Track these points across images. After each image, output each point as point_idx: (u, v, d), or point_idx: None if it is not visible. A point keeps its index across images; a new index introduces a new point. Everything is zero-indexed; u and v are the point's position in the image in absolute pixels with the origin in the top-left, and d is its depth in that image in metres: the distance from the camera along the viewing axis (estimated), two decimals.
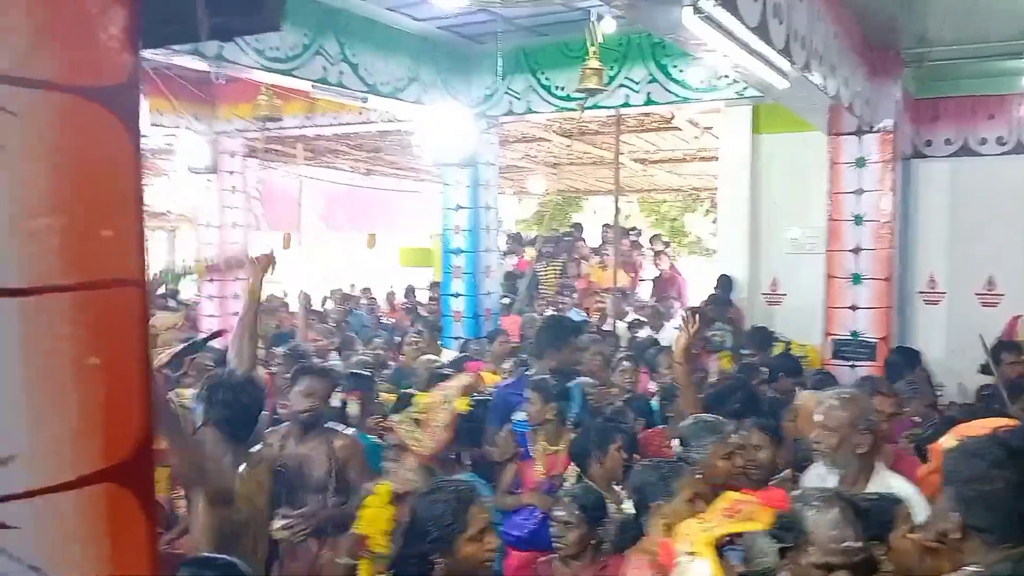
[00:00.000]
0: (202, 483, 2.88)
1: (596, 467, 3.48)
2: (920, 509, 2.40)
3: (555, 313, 7.55)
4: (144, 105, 7.25)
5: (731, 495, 1.87)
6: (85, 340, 0.94)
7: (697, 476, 3.00)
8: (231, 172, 9.09)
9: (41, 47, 0.90)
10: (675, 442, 3.16)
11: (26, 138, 0.88)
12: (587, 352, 5.43)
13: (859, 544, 1.85)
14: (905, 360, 5.12)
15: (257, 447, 3.33)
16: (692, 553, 1.72)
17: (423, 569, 2.17)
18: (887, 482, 2.76)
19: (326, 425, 3.58)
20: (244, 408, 3.09)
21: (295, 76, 5.64)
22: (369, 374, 4.91)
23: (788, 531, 1.85)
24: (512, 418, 4.00)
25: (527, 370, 4.70)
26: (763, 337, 6.26)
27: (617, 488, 3.40)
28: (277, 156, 10.86)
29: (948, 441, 2.35)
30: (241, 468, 2.98)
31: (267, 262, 3.98)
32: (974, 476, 1.86)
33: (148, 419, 1.00)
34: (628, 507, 3.04)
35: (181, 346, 4.60)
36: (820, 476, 3.15)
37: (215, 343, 5.17)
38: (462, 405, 3.25)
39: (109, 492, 0.95)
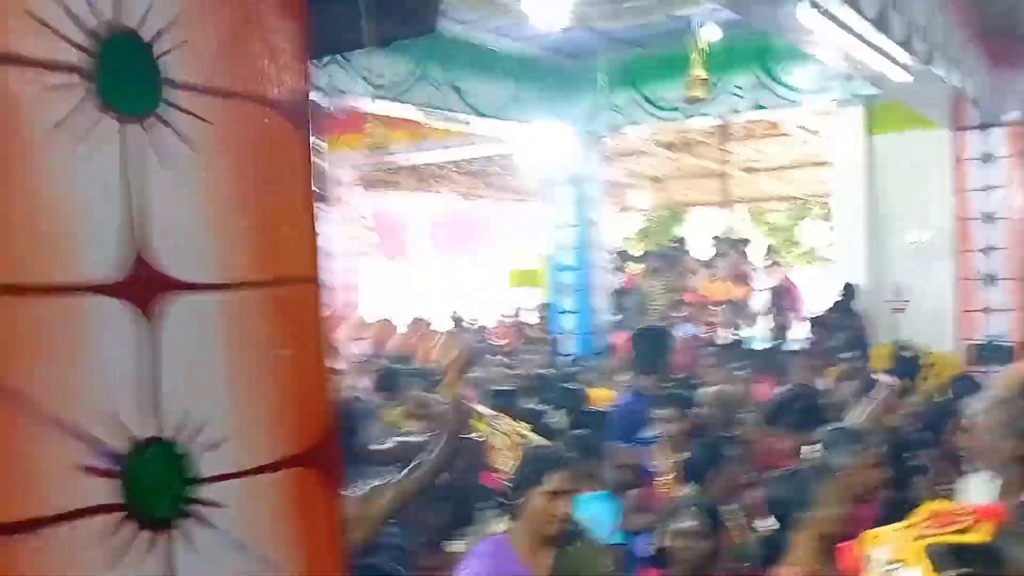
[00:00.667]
0: None
1: (712, 481, 3.42)
2: None
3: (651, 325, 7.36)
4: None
5: (933, 506, 1.76)
6: (276, 333, 1.01)
7: (843, 484, 2.92)
8: (341, 200, 9.42)
9: (229, 59, 0.98)
10: (806, 448, 3.07)
11: (217, 143, 0.95)
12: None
13: None
14: None
15: None
16: (899, 560, 1.65)
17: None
18: None
19: None
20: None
21: (403, 102, 5.82)
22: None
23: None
24: (636, 434, 3.97)
25: (639, 385, 4.67)
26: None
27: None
28: (387, 185, 11.19)
29: None
30: None
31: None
32: None
33: (332, 407, 1.07)
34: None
35: None
36: (979, 486, 3.00)
37: None
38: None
39: (302, 475, 1.02)
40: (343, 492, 1.06)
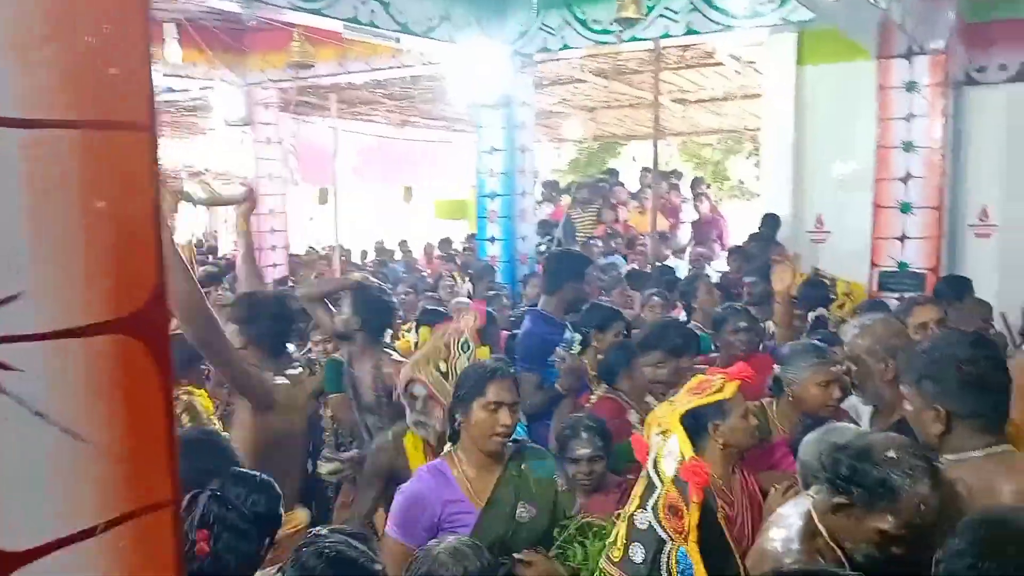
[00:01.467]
0: (246, 389, 2.92)
1: (625, 382, 3.45)
2: None
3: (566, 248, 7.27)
4: (178, 55, 7.28)
5: (700, 376, 1.80)
6: (91, 181, 0.88)
7: (788, 399, 2.94)
8: (266, 124, 9.08)
9: None
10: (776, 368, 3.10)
11: None
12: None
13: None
14: (953, 289, 4.90)
15: (296, 368, 3.34)
16: (663, 432, 1.66)
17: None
18: None
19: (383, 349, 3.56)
20: (277, 320, 3.14)
21: (326, 15, 5.55)
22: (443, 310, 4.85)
23: (868, 493, 1.65)
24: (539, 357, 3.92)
25: (534, 305, 4.63)
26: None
27: (650, 400, 3.38)
28: (311, 108, 10.83)
29: None
30: (279, 380, 3.01)
31: (251, 201, 3.79)
32: (956, 361, 1.94)
33: (160, 271, 0.95)
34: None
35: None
36: (853, 407, 3.06)
37: None
38: (483, 354, 3.13)
39: (120, 343, 0.90)
40: (170, 365, 0.95)
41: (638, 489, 1.61)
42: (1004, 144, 6.65)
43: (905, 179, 5.50)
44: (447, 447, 2.62)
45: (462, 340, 2.95)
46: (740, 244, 7.54)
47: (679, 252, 9.07)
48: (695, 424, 2.39)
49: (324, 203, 12.19)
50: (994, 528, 1.46)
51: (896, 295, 5.44)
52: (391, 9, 5.95)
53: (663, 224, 9.51)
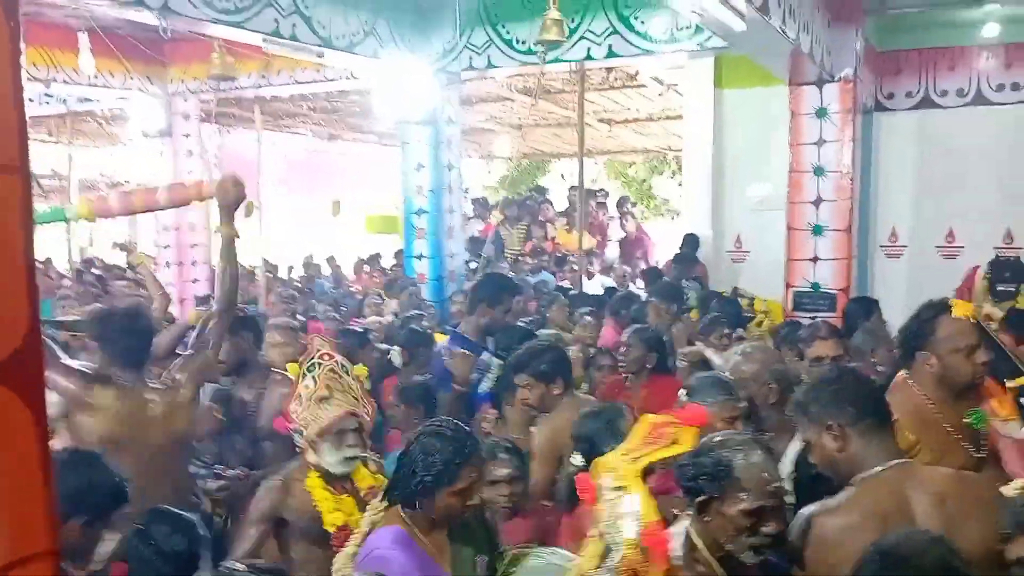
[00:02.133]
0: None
1: (509, 409, 3.46)
2: None
3: (492, 271, 7.37)
4: (92, 65, 7.06)
5: (650, 418, 1.79)
6: None
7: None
8: (186, 136, 8.87)
9: None
10: (682, 393, 3.09)
11: None
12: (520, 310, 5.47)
13: (783, 483, 1.81)
14: (862, 309, 5.11)
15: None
16: (620, 488, 1.65)
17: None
18: None
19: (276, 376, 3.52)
20: (134, 334, 3.08)
21: (245, 29, 5.46)
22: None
23: (713, 480, 1.75)
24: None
25: (456, 327, 4.65)
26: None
27: (533, 429, 3.36)
28: (234, 120, 10.64)
29: None
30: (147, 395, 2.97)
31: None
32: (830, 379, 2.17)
33: (34, 316, 0.92)
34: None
35: None
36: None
37: None
38: (360, 371, 3.07)
39: None
40: (43, 413, 0.93)
41: (594, 548, 1.60)
42: (912, 167, 6.97)
43: (816, 202, 5.71)
44: (396, 509, 2.39)
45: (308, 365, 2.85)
46: (660, 266, 7.70)
47: (607, 270, 9.19)
48: (590, 449, 2.43)
49: (249, 216, 11.94)
50: (894, 556, 1.57)
51: (810, 315, 5.62)
52: (313, 23, 5.89)
53: (590, 242, 9.63)
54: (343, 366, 2.85)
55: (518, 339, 3.96)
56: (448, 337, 4.25)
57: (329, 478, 2.72)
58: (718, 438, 1.76)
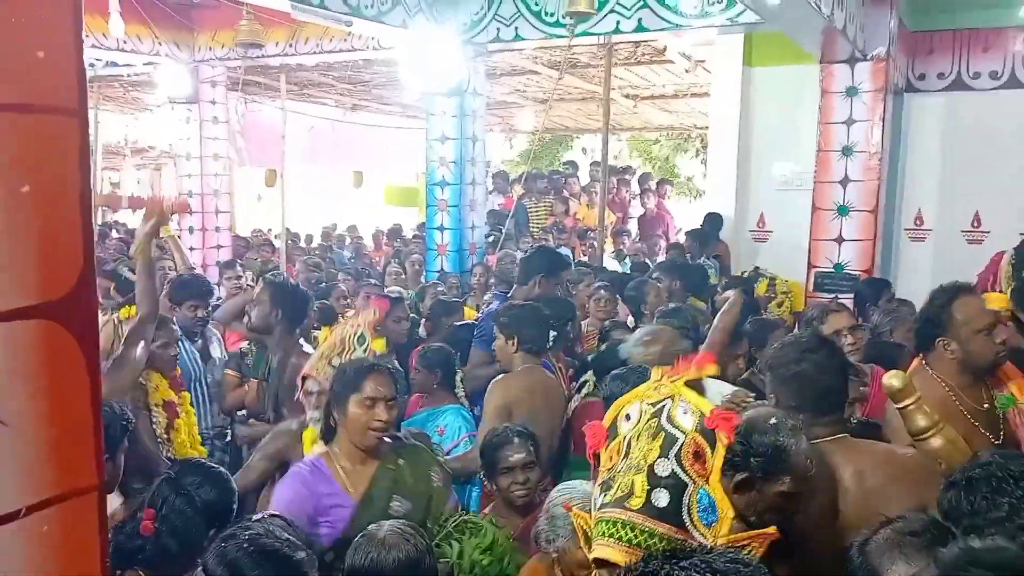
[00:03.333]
0: None
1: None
2: None
3: (541, 245, 7.44)
4: (121, 28, 7.09)
5: (660, 369, 1.85)
6: (16, 166, 0.88)
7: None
8: (212, 102, 8.91)
9: None
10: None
11: None
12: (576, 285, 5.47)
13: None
14: (873, 291, 5.06)
15: None
16: (663, 400, 1.72)
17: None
18: None
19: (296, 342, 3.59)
20: None
21: None
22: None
23: (765, 462, 1.74)
24: None
25: (507, 297, 4.67)
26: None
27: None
28: (260, 89, 10.66)
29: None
30: None
31: (163, 210, 3.51)
32: (788, 360, 2.29)
33: (88, 257, 0.95)
34: None
35: None
36: None
37: None
38: (380, 347, 3.16)
39: (45, 328, 0.90)
40: (95, 352, 0.95)
41: (652, 444, 1.68)
42: (941, 150, 6.88)
43: (843, 182, 5.66)
44: (320, 443, 2.64)
45: (358, 334, 2.96)
46: (677, 242, 7.67)
47: (626, 246, 9.17)
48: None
49: (271, 185, 12.01)
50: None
51: (831, 295, 5.59)
52: None
53: (612, 218, 9.60)
54: (361, 335, 2.93)
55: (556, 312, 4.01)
56: (496, 303, 4.28)
57: None
58: (771, 420, 1.77)
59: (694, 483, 1.64)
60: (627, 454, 1.70)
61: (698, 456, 1.65)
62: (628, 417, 1.75)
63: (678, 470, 1.64)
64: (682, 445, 1.66)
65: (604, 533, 1.64)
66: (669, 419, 1.70)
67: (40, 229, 0.90)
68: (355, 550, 2.06)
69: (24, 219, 0.88)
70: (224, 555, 1.72)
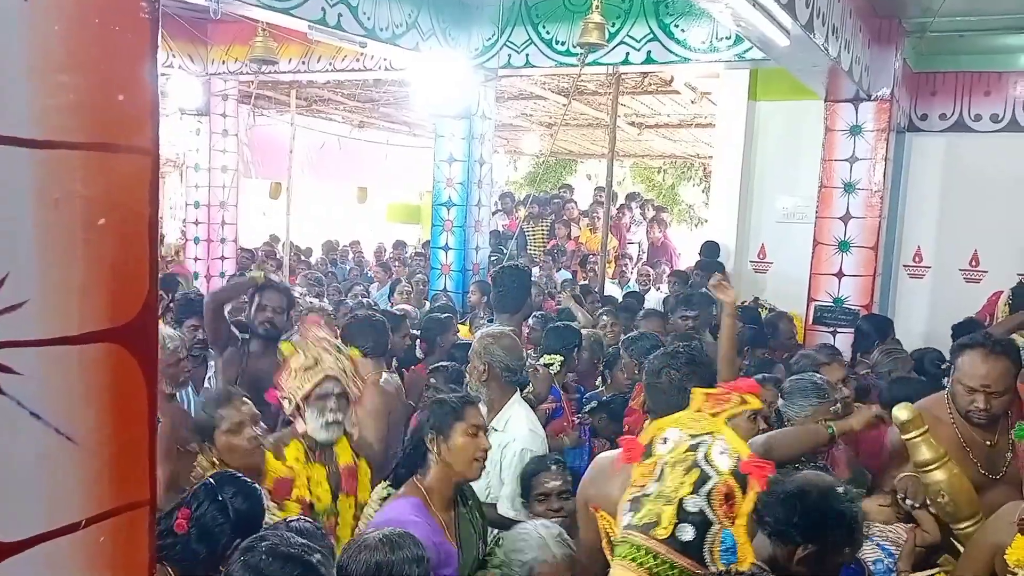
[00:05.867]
0: None
1: None
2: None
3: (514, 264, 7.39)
4: None
5: (703, 390, 1.89)
6: (95, 200, 0.94)
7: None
8: (223, 115, 9.01)
9: None
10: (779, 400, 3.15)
11: None
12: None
13: None
14: (876, 328, 5.12)
15: None
16: (708, 433, 1.77)
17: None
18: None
19: None
20: None
21: (293, 15, 5.57)
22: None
23: (845, 533, 1.86)
24: None
25: (491, 321, 4.71)
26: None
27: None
28: (269, 103, 10.77)
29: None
30: None
31: None
32: (652, 370, 2.49)
33: (153, 286, 1.02)
34: None
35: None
36: None
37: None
38: (356, 353, 3.19)
39: (111, 352, 0.97)
40: (154, 374, 1.02)
41: (685, 478, 1.72)
42: (941, 189, 6.99)
43: (845, 218, 5.75)
44: (414, 481, 2.48)
45: (333, 346, 2.99)
46: (682, 270, 7.75)
47: (628, 271, 9.25)
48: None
49: (276, 198, 12.10)
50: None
51: (829, 329, 5.68)
52: (358, 13, 5.98)
53: (613, 243, 9.68)
54: (337, 346, 3.00)
55: (563, 339, 4.09)
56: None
57: (313, 447, 2.83)
58: (836, 487, 1.83)
59: (720, 523, 1.69)
60: (660, 479, 1.75)
61: (728, 498, 1.70)
62: (665, 440, 1.80)
63: (707, 508, 1.69)
64: (715, 485, 1.71)
65: (625, 555, 1.70)
66: (706, 457, 1.74)
67: (112, 259, 0.96)
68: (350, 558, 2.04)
69: (99, 250, 0.95)
70: (247, 564, 1.78)
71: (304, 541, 1.87)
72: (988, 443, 2.83)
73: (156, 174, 1.01)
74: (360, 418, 3.24)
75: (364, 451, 3.08)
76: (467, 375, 3.45)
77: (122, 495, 1.01)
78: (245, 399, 2.73)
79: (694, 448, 1.75)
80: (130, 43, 0.98)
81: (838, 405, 2.98)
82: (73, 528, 0.95)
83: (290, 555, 1.80)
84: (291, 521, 2.15)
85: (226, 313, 4.02)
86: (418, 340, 5.13)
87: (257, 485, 2.19)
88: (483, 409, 2.96)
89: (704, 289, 6.75)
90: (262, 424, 2.77)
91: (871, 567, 2.35)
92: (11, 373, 0.87)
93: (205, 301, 3.77)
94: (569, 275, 8.88)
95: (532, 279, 4.33)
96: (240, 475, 2.20)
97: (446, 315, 5.21)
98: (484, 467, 2.47)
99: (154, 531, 1.06)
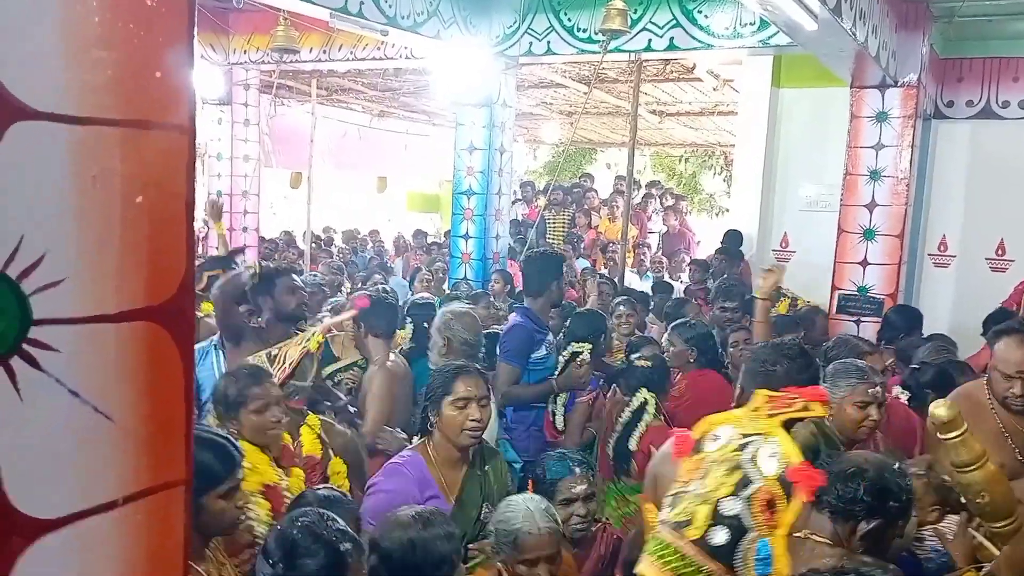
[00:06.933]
0: None
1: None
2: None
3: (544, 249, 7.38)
4: None
5: (765, 392, 1.82)
6: (133, 178, 0.94)
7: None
8: (245, 105, 9.04)
9: None
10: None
11: None
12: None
13: None
14: (905, 320, 5.03)
15: None
16: (760, 434, 1.69)
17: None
18: None
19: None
20: None
21: (315, 4, 5.56)
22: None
23: (900, 505, 1.88)
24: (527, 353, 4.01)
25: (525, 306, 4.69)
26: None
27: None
28: (290, 92, 10.79)
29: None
30: None
31: None
32: (765, 359, 2.46)
33: (191, 265, 1.01)
34: None
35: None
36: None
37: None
38: (314, 344, 3.20)
39: (149, 330, 0.97)
40: (190, 353, 1.01)
41: (726, 478, 1.64)
42: (967, 177, 6.89)
43: (870, 206, 5.68)
44: (416, 439, 2.70)
45: (313, 332, 3.10)
46: (703, 258, 7.71)
47: (647, 260, 9.21)
48: None
49: (297, 187, 12.15)
50: None
51: (853, 318, 5.62)
52: (380, 1, 5.98)
53: (633, 232, 9.63)
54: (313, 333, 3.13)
55: (591, 325, 4.07)
56: (518, 316, 4.29)
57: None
58: (895, 463, 1.83)
59: (757, 531, 1.60)
60: (703, 477, 1.68)
61: (770, 505, 1.61)
62: (716, 438, 1.74)
63: (745, 513, 1.61)
64: (757, 489, 1.62)
65: (653, 552, 1.63)
66: (753, 459, 1.66)
67: (150, 237, 0.96)
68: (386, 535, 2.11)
69: (136, 228, 0.94)
70: (282, 536, 1.80)
71: (340, 527, 1.87)
72: None
73: (193, 153, 1.00)
74: (366, 402, 3.37)
75: (341, 440, 3.12)
76: (430, 348, 3.69)
77: (159, 474, 1.01)
78: (274, 380, 2.75)
79: (742, 448, 1.67)
80: (167, 20, 0.98)
81: (878, 388, 2.90)
82: (110, 507, 0.95)
83: (323, 538, 1.81)
84: (319, 490, 2.18)
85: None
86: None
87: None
88: None
89: (725, 275, 6.74)
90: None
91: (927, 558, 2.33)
92: (50, 350, 0.87)
93: (213, 295, 3.75)
94: (588, 264, 8.85)
95: (561, 265, 4.29)
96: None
97: (428, 300, 5.29)
98: (477, 435, 2.58)
99: (190, 510, 1.06)
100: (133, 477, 0.98)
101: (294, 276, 3.80)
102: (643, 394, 3.47)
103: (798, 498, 1.60)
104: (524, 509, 2.28)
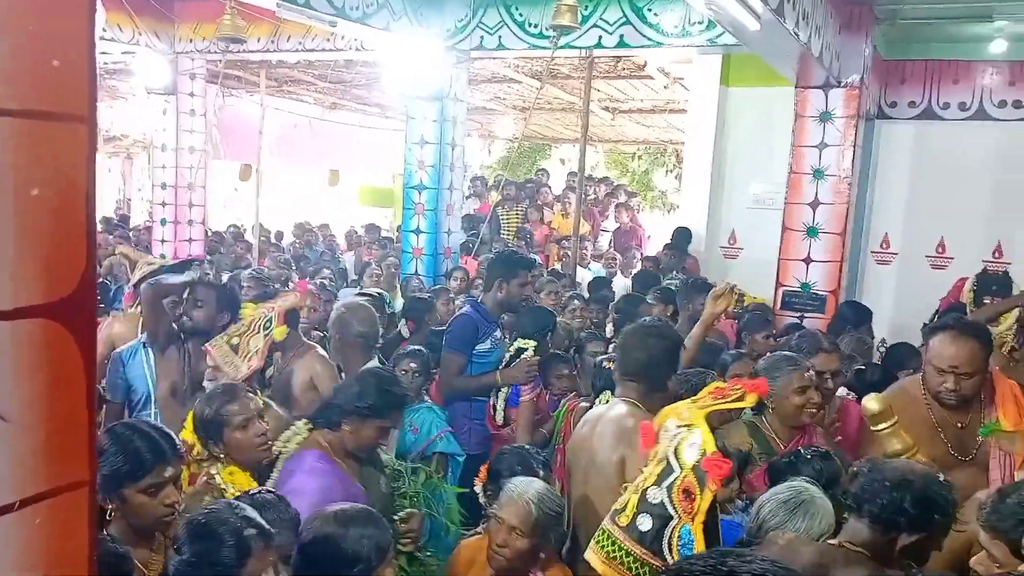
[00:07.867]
0: None
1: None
2: None
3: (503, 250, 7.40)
4: (102, 16, 7.03)
5: (716, 382, 1.90)
6: (28, 170, 0.91)
7: (770, 411, 3.02)
8: (191, 95, 8.85)
9: None
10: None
11: None
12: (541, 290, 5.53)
13: None
14: (855, 315, 5.20)
15: None
16: (687, 425, 1.75)
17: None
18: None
19: None
20: None
21: None
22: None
23: (944, 517, 1.88)
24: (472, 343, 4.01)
25: (478, 300, 4.69)
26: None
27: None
28: (239, 83, 10.61)
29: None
30: None
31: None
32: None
33: (91, 260, 0.98)
34: None
35: (150, 268, 4.54)
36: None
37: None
38: (279, 334, 3.20)
39: (46, 327, 0.93)
40: (92, 352, 0.98)
41: (653, 468, 1.71)
42: (908, 176, 7.06)
43: (814, 204, 5.78)
44: (316, 434, 2.73)
45: (267, 318, 3.06)
46: (654, 255, 7.77)
47: (599, 258, 9.26)
48: None
49: (246, 180, 11.95)
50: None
51: (797, 314, 5.72)
52: None
53: (584, 228, 9.67)
54: (268, 320, 3.15)
55: (539, 322, 4.08)
56: (467, 307, 4.27)
57: None
58: (938, 476, 1.84)
59: (679, 518, 1.66)
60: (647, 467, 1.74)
61: (688, 494, 1.66)
62: (666, 430, 1.79)
63: (667, 502, 1.67)
64: (676, 479, 1.67)
65: (596, 539, 1.68)
66: (676, 450, 1.72)
67: (47, 231, 0.93)
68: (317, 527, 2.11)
69: (32, 221, 0.91)
70: (187, 524, 1.81)
71: (248, 516, 1.84)
72: (960, 425, 2.87)
73: (93, 143, 0.97)
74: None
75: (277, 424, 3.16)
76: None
77: (59, 475, 0.98)
78: (249, 393, 2.69)
79: (673, 439, 1.73)
80: (66, 5, 0.94)
81: (811, 373, 2.98)
82: (6, 510, 0.92)
83: (225, 523, 1.80)
84: (254, 493, 2.15)
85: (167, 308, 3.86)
86: (405, 320, 5.11)
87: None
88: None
89: (674, 271, 6.80)
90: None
91: None
92: None
93: (143, 291, 3.63)
94: (539, 259, 8.86)
95: (513, 267, 4.25)
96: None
97: (428, 296, 5.41)
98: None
99: (94, 513, 1.03)
100: (31, 479, 0.95)
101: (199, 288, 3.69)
102: (607, 396, 3.44)
103: (711, 487, 1.67)
104: (530, 481, 2.38)
